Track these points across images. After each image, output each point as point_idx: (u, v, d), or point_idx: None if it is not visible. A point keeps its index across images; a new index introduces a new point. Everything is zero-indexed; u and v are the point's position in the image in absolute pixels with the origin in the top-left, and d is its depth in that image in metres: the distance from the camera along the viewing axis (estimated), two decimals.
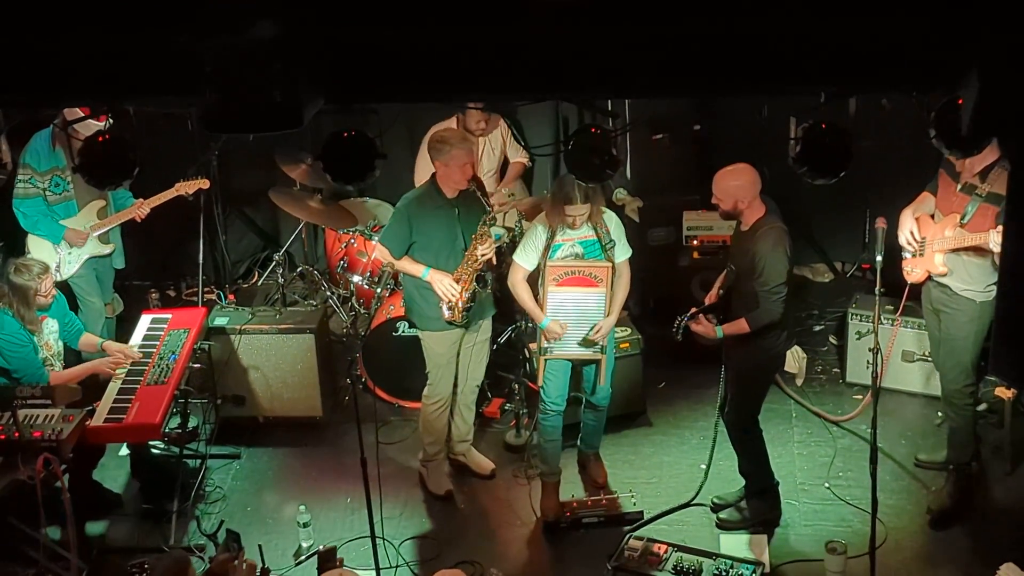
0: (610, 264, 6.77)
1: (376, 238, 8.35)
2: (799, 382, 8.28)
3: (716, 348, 6.81)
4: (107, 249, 8.17)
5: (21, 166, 7.68)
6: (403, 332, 7.97)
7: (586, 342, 6.86)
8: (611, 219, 6.86)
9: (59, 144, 7.71)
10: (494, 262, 7.08)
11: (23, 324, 6.92)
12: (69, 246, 7.91)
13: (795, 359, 8.17)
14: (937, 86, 4.56)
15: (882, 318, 7.52)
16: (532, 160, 9.09)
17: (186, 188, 8.07)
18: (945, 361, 6.96)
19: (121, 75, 4.53)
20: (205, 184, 8.15)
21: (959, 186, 6.59)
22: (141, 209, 8.02)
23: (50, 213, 7.86)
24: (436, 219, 6.91)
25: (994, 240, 6.34)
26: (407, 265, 6.99)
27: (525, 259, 6.87)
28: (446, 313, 6.96)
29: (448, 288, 6.90)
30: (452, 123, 8.60)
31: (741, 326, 6.47)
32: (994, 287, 6.52)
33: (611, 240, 6.81)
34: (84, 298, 7.97)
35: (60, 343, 7.27)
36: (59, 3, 4.40)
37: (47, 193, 7.82)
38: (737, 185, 6.40)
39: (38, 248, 7.89)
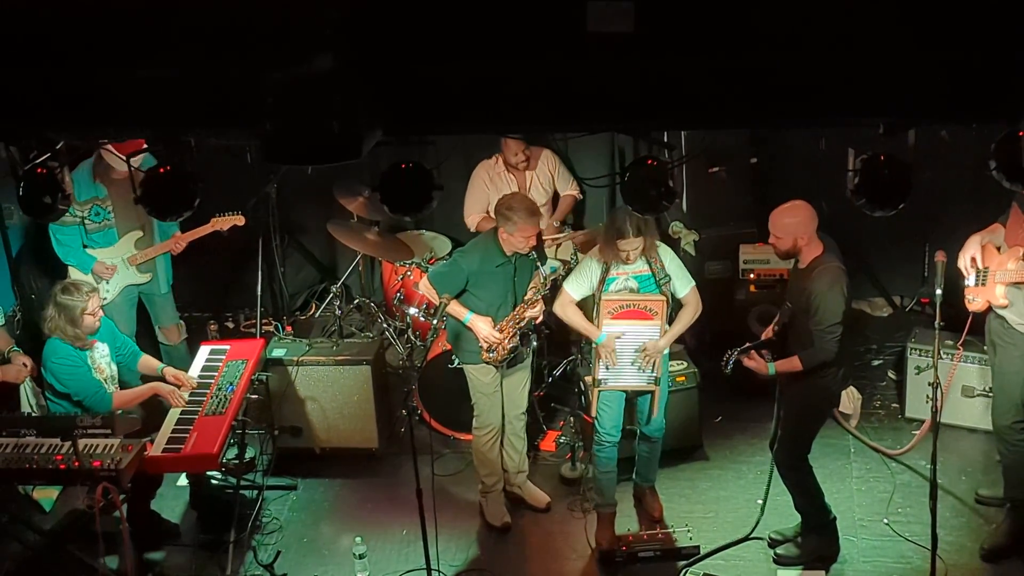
0: (665, 298, 6.75)
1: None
2: (853, 423, 8.17)
3: (772, 383, 6.76)
4: (144, 278, 8.25)
5: None
6: (458, 364, 7.98)
7: (640, 372, 6.84)
8: (666, 253, 6.84)
9: (99, 176, 7.84)
10: (539, 321, 7.14)
11: (72, 344, 6.99)
12: (98, 278, 8.01)
13: (850, 399, 8.07)
14: (998, 118, 4.52)
15: (942, 352, 7.44)
16: (583, 193, 9.10)
17: (221, 224, 8.20)
18: (996, 395, 6.90)
19: (183, 107, 4.61)
20: (240, 221, 8.27)
21: None
22: (178, 243, 8.14)
23: (85, 242, 7.99)
24: (493, 277, 6.98)
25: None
26: (452, 306, 7.03)
27: (575, 288, 6.87)
28: (486, 354, 7.01)
29: (489, 334, 6.97)
30: (493, 161, 8.66)
31: (794, 364, 6.41)
32: None
33: (665, 275, 6.78)
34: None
35: (113, 366, 7.32)
36: (120, 37, 4.48)
37: (86, 221, 7.94)
38: (795, 222, 6.35)
39: (78, 275, 7.98)
